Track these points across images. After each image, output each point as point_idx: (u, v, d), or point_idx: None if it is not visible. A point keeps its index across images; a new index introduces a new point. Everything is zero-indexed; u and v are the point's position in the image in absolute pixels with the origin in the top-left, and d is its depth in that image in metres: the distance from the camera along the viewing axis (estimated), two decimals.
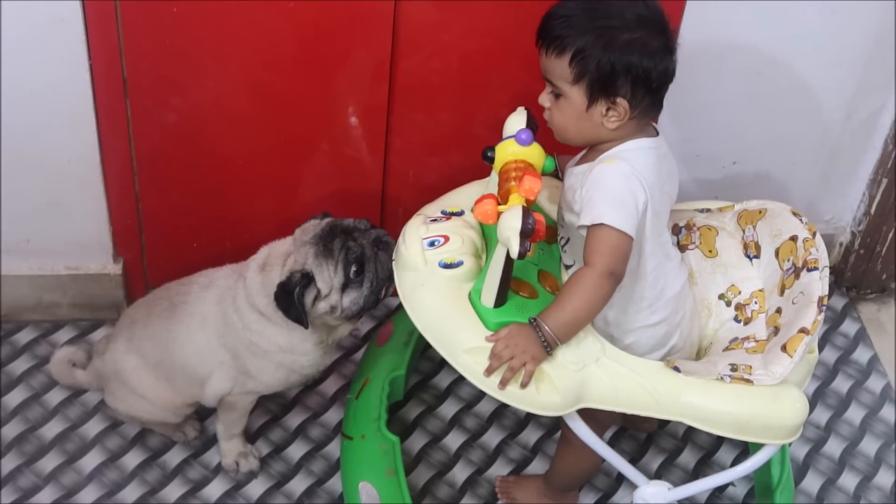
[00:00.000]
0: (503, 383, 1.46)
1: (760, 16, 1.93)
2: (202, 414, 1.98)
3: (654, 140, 1.54)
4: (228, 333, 1.76)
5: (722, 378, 1.51)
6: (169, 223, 2.03)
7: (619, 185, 1.47)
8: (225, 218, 2.04)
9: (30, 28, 1.72)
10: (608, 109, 1.49)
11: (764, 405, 1.50)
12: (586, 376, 1.49)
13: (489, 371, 1.46)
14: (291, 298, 1.63)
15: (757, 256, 1.70)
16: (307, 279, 1.65)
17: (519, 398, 1.48)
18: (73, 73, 1.78)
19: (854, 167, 2.26)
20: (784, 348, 1.51)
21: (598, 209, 1.46)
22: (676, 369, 1.52)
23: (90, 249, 2.05)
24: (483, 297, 1.50)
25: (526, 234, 1.36)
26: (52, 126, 1.85)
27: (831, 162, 2.24)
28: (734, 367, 1.52)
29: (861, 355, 2.26)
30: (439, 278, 1.53)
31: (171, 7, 1.72)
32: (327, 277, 1.66)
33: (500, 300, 1.49)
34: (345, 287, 1.67)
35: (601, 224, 1.45)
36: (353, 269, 1.66)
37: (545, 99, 1.54)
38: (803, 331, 1.50)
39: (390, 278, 1.68)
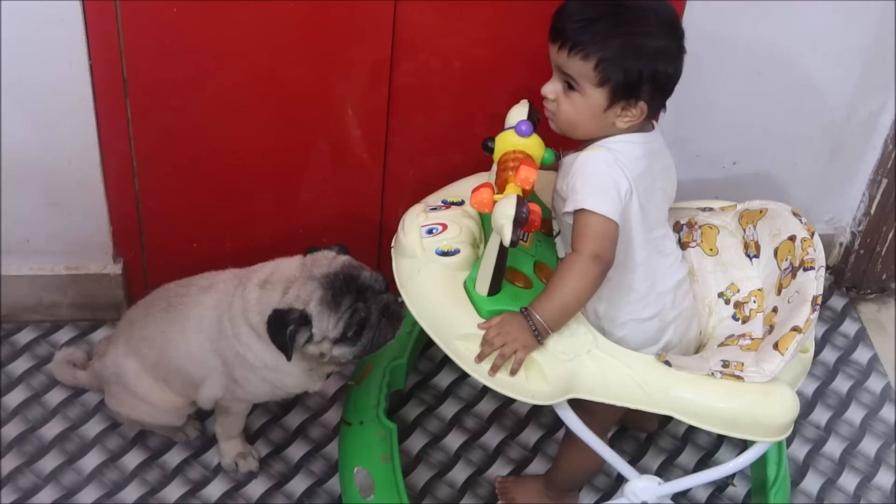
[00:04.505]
0: (493, 370, 1.47)
1: (761, 15, 1.93)
2: (203, 414, 1.98)
3: (644, 135, 1.55)
4: (220, 339, 1.74)
5: (712, 374, 1.51)
6: (169, 223, 2.03)
7: (600, 171, 1.49)
8: (225, 218, 2.04)
9: (30, 28, 1.72)
10: (623, 109, 1.50)
11: (753, 402, 1.50)
12: (577, 367, 1.49)
13: (480, 357, 1.47)
14: (284, 331, 1.61)
15: (757, 256, 1.70)
16: (304, 320, 1.62)
17: (508, 385, 1.48)
18: (73, 73, 1.78)
19: (854, 167, 2.26)
20: (776, 346, 1.51)
21: (580, 195, 1.47)
22: (668, 363, 1.52)
23: (90, 249, 2.05)
24: (477, 285, 1.50)
25: (519, 222, 1.37)
26: (52, 126, 1.85)
27: (831, 162, 2.24)
28: (726, 364, 1.52)
29: (861, 355, 2.26)
30: (436, 266, 1.54)
31: (171, 7, 1.72)
32: (324, 327, 1.63)
33: (494, 289, 1.50)
34: (338, 341, 1.65)
35: (584, 210, 1.46)
36: (354, 330, 1.64)
37: (552, 90, 1.53)
38: (795, 329, 1.51)
39: (387, 342, 1.68)
